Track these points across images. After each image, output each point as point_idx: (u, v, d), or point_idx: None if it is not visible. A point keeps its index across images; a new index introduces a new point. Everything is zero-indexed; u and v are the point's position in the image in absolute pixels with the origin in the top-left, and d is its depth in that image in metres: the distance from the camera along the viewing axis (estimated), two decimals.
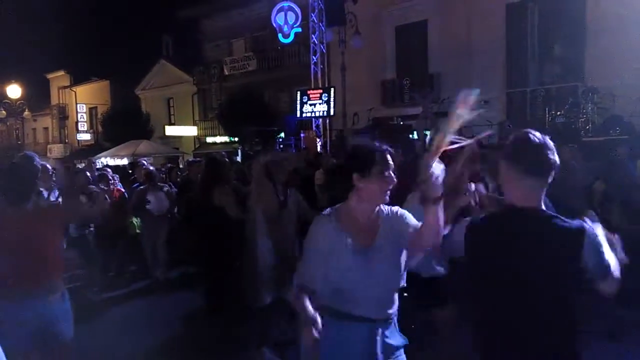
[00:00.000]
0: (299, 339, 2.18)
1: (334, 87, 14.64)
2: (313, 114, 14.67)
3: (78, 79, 32.60)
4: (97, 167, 10.59)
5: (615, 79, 10.19)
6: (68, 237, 6.14)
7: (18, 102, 24.21)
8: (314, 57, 15.25)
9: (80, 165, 13.05)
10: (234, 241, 5.07)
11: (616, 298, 1.90)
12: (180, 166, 14.45)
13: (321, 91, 14.51)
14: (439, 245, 2.06)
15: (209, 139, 23.72)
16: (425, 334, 3.43)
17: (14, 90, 23.87)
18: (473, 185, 3.13)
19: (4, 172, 2.97)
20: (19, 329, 2.65)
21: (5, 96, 23.92)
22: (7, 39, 35.56)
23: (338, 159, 3.46)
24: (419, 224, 2.13)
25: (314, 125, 15.19)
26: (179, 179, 8.97)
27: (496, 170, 1.99)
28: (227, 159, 6.83)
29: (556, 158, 1.83)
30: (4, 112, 25.37)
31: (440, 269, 3.25)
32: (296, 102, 15.03)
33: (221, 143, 22.19)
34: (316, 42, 15.17)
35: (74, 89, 32.89)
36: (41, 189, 5.19)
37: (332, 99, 14.18)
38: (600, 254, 1.78)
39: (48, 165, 6.35)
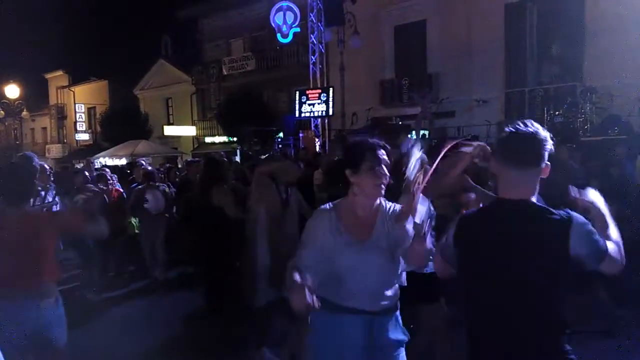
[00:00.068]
0: (300, 337, 2.20)
1: (333, 87, 14.65)
2: (312, 114, 14.67)
3: (76, 79, 32.56)
4: (96, 167, 10.58)
5: (613, 78, 10.20)
6: (67, 237, 6.15)
7: (16, 102, 24.13)
8: (312, 57, 15.24)
9: (79, 166, 13.04)
10: (233, 241, 5.07)
11: (616, 298, 1.90)
12: (179, 166, 14.45)
13: (320, 91, 14.51)
14: (423, 266, 2.23)
15: (208, 139, 23.70)
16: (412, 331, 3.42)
17: (12, 90, 23.81)
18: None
19: (3, 173, 2.96)
20: (16, 328, 2.64)
21: (3, 96, 23.86)
22: (5, 39, 35.53)
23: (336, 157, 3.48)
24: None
25: (312, 125, 15.19)
26: (177, 179, 8.97)
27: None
28: (225, 159, 6.84)
29: (545, 149, 1.82)
30: (2, 112, 25.30)
31: (431, 264, 3.24)
32: (295, 102, 15.03)
33: (220, 143, 22.18)
34: (315, 42, 15.17)
35: (73, 89, 32.84)
36: (39, 188, 5.18)
37: (330, 99, 14.18)
38: (591, 241, 1.77)
39: (46, 166, 6.34)
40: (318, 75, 15.35)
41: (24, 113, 28.31)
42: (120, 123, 23.37)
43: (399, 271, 2.26)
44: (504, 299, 1.81)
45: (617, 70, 10.33)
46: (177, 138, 25.63)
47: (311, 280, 1.98)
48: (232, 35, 22.89)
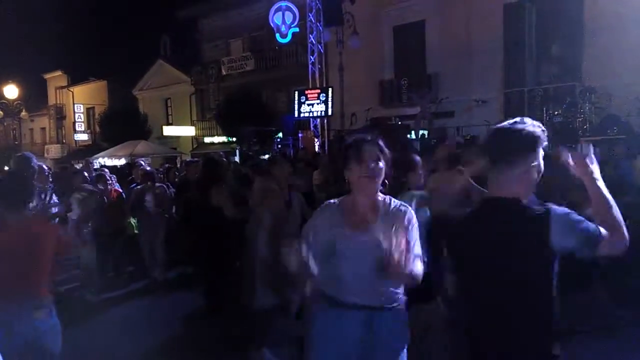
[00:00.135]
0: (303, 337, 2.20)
1: (332, 87, 14.63)
2: (311, 114, 14.66)
3: (75, 79, 32.54)
4: (95, 167, 10.57)
5: (612, 78, 10.21)
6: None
7: (15, 103, 24.11)
8: (311, 57, 15.23)
9: (78, 166, 13.02)
10: (232, 241, 5.07)
11: (616, 298, 1.87)
12: (178, 166, 14.44)
13: (319, 91, 14.50)
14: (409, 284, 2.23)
15: (207, 139, 23.69)
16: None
17: (11, 91, 23.78)
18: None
19: (2, 178, 2.95)
20: (10, 338, 2.62)
21: (2, 96, 23.82)
22: (4, 39, 35.49)
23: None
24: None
25: (311, 125, 15.18)
26: (176, 179, 8.96)
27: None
28: (224, 159, 6.84)
29: (530, 147, 1.77)
30: (1, 112, 25.25)
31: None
32: (294, 102, 15.02)
33: (219, 143, 22.18)
34: (314, 42, 15.16)
35: (72, 89, 32.82)
36: (38, 189, 5.17)
37: (330, 99, 14.17)
38: (577, 228, 1.70)
39: (44, 166, 6.33)
40: (317, 75, 15.34)
41: (23, 113, 28.26)
42: (119, 123, 23.35)
43: None
44: (489, 297, 1.80)
45: (617, 70, 10.34)
46: (176, 138, 25.63)
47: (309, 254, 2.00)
48: (231, 35, 22.88)
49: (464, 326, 1.92)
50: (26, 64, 33.20)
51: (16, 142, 35.48)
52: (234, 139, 19.13)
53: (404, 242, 1.92)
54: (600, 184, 1.81)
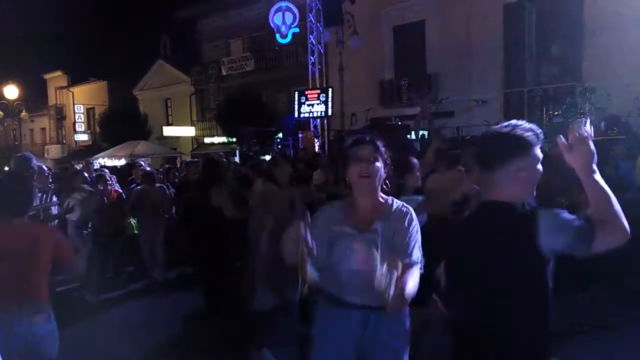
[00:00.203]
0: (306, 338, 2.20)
1: (332, 88, 14.64)
2: (311, 115, 14.67)
3: (75, 80, 32.54)
4: (95, 167, 10.57)
5: (612, 79, 10.21)
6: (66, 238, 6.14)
7: (15, 103, 24.12)
8: (311, 58, 15.24)
9: (78, 166, 13.02)
10: (232, 241, 5.07)
11: (616, 298, 1.86)
12: (178, 166, 14.43)
13: (319, 91, 14.51)
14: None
15: (207, 140, 23.70)
16: None
17: (11, 91, 23.79)
18: None
19: (2, 182, 2.95)
20: (8, 343, 2.61)
21: (2, 97, 23.83)
22: (4, 39, 35.49)
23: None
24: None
25: (312, 125, 15.18)
26: (176, 180, 8.96)
27: None
28: (224, 160, 6.84)
29: (515, 150, 1.73)
30: (1, 112, 25.26)
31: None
32: (294, 103, 15.02)
33: (219, 143, 22.18)
34: (314, 42, 15.17)
35: (72, 90, 32.82)
36: (37, 190, 5.17)
37: (330, 99, 14.17)
38: (567, 226, 1.65)
39: (44, 167, 6.33)
40: (317, 75, 15.35)
41: (23, 114, 28.28)
42: (120, 124, 23.35)
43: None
44: (482, 300, 1.78)
45: (616, 70, 10.33)
46: (176, 139, 25.63)
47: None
48: (231, 35, 22.89)
49: (462, 326, 1.92)
50: (26, 64, 33.23)
51: (16, 143, 35.51)
52: (234, 140, 19.13)
53: (398, 267, 1.82)
54: (598, 176, 1.73)
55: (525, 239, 1.67)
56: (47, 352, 2.75)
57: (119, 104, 26.16)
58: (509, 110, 13.24)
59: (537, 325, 1.74)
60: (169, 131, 25.13)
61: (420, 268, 2.13)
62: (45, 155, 32.32)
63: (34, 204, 3.61)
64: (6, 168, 13.60)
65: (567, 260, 1.77)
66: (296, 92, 15.06)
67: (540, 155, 1.78)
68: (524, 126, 1.77)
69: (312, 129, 15.08)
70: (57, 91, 34.00)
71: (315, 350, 2.30)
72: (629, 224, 1.67)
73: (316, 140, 14.43)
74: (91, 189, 6.51)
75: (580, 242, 1.64)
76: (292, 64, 19.39)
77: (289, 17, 15.21)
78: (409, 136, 11.51)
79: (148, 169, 8.27)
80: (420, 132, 12.09)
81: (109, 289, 6.62)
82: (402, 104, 15.63)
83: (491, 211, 1.78)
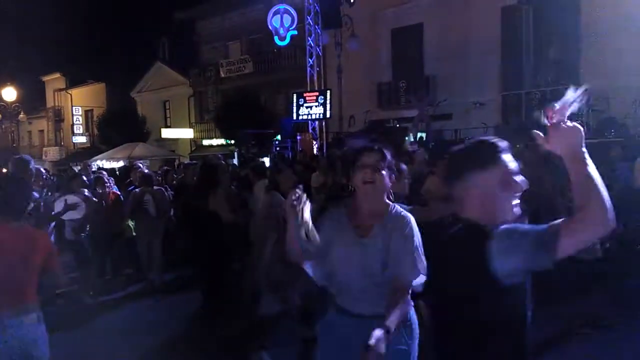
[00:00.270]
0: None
1: (330, 90, 14.66)
2: (309, 117, 14.68)
3: (74, 82, 32.54)
4: (93, 169, 10.56)
5: (610, 81, 10.24)
6: (63, 240, 6.13)
7: (13, 105, 24.15)
8: (310, 60, 15.26)
9: (76, 169, 13.01)
10: (230, 244, 5.07)
11: (615, 298, 1.84)
12: (176, 169, 14.41)
13: (317, 94, 14.52)
14: None
15: (205, 142, 23.70)
16: None
17: (9, 93, 23.81)
18: None
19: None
20: (6, 336, 2.62)
21: (0, 99, 23.82)
22: (2, 42, 35.45)
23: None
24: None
25: (310, 127, 15.19)
26: (174, 182, 8.96)
27: None
28: (222, 162, 6.84)
29: (469, 166, 1.67)
30: None
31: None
32: (292, 105, 15.04)
33: (217, 146, 22.18)
34: (312, 44, 15.19)
35: (70, 92, 32.81)
36: (34, 192, 5.17)
37: (328, 102, 14.19)
38: (520, 244, 1.49)
39: (42, 169, 6.33)
40: (315, 78, 15.36)
41: (21, 116, 28.31)
42: (118, 126, 23.36)
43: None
44: (446, 318, 1.75)
45: (614, 73, 10.37)
46: (175, 141, 25.62)
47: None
48: (229, 37, 22.91)
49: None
50: (24, 67, 33.15)
51: (14, 145, 35.44)
52: (233, 142, 19.13)
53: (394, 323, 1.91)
54: (588, 162, 1.55)
55: (474, 259, 1.58)
56: (38, 355, 2.76)
57: (117, 106, 26.17)
58: (506, 112, 13.28)
59: (478, 352, 1.66)
60: (167, 133, 25.14)
61: (422, 274, 2.11)
62: (44, 157, 32.29)
63: (37, 197, 3.59)
64: (4, 170, 13.57)
65: (567, 261, 1.75)
66: (294, 95, 15.07)
67: (501, 176, 1.65)
68: (492, 141, 1.70)
69: (310, 131, 15.09)
70: (56, 93, 33.98)
71: (320, 354, 2.32)
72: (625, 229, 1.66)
73: (314, 143, 14.43)
74: (88, 194, 6.49)
75: (540, 251, 1.47)
76: (290, 66, 19.42)
77: (287, 19, 15.23)
78: (407, 138, 11.52)
79: (146, 171, 8.27)
80: (419, 134, 12.12)
81: (106, 291, 6.61)
82: (400, 107, 15.66)
83: (450, 224, 1.75)
